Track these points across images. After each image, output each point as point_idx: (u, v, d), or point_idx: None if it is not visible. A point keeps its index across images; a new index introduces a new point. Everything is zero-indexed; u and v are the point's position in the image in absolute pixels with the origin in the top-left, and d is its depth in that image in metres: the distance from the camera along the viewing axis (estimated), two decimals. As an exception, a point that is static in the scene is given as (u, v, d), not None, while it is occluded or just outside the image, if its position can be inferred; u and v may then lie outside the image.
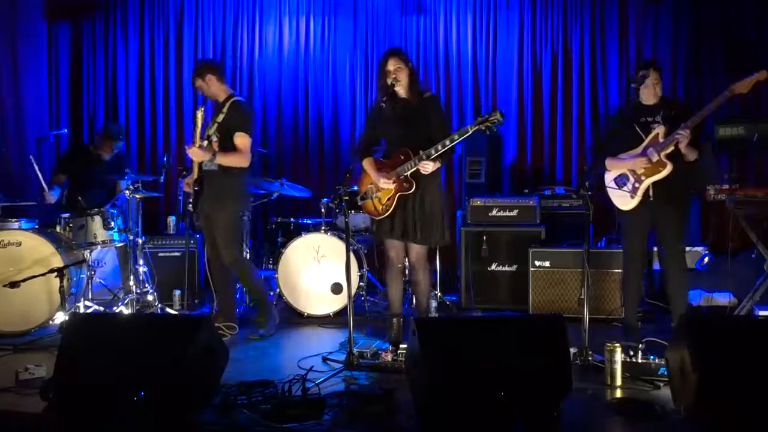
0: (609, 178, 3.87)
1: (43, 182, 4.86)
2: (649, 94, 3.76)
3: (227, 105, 4.16)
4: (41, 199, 4.96)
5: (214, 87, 4.20)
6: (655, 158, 3.65)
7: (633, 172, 3.74)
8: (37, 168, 4.82)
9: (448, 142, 3.53)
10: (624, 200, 3.80)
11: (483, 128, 3.45)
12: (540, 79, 5.99)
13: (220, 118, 4.14)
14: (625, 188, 3.76)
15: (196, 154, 4.07)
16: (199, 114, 4.14)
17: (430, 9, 6.15)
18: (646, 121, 3.74)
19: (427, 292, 4.01)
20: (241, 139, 4.09)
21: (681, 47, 5.71)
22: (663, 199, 3.70)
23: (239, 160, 4.10)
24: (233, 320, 4.31)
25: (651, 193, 3.71)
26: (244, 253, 4.85)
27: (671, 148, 3.62)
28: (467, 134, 3.49)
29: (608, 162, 3.86)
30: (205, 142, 4.11)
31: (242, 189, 4.25)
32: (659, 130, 3.67)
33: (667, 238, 3.79)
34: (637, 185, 3.72)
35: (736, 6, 5.60)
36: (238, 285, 4.67)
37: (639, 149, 3.73)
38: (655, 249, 4.41)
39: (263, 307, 4.33)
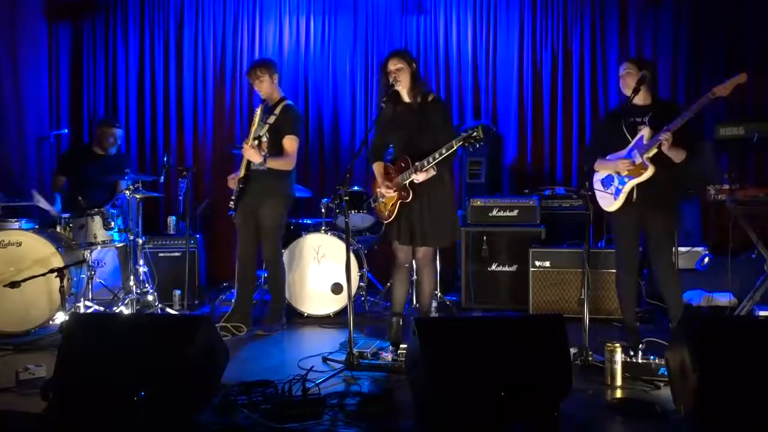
0: (596, 179, 3.87)
1: (48, 207, 4.84)
2: (628, 91, 3.71)
3: (279, 107, 4.30)
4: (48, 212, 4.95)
5: (267, 87, 4.33)
6: (638, 160, 3.64)
7: (618, 173, 3.73)
8: (40, 199, 4.81)
9: (437, 156, 3.54)
10: (607, 202, 3.81)
11: (466, 144, 3.43)
12: (540, 79, 5.99)
13: (272, 119, 4.27)
14: (608, 190, 3.77)
15: (250, 153, 4.17)
16: (258, 112, 4.30)
17: (430, 9, 6.15)
18: (634, 122, 3.73)
19: (430, 293, 4.01)
20: (290, 142, 4.24)
21: (681, 47, 5.71)
22: (647, 201, 3.69)
23: (286, 164, 4.26)
24: (246, 321, 4.32)
25: (635, 195, 3.69)
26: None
27: (654, 151, 3.59)
28: (453, 149, 3.50)
29: (597, 163, 3.86)
30: (255, 142, 4.21)
31: (289, 189, 4.40)
32: (644, 131, 3.65)
33: (653, 240, 3.77)
34: (620, 187, 3.71)
35: (736, 6, 5.60)
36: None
37: (624, 151, 3.72)
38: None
39: (276, 307, 4.42)
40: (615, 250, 3.96)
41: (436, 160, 3.55)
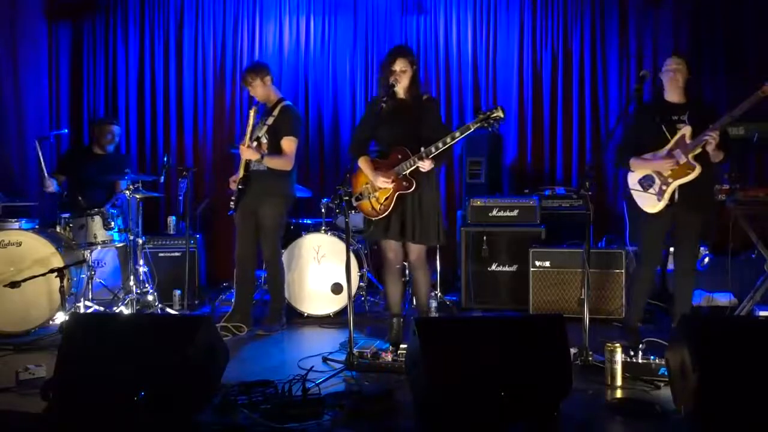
0: (633, 179, 3.78)
1: (44, 168, 4.81)
2: (673, 87, 3.68)
3: (277, 109, 4.31)
4: (41, 187, 4.92)
5: (261, 90, 4.34)
6: (682, 160, 3.58)
7: (659, 173, 3.66)
8: (40, 153, 4.78)
9: (449, 140, 3.50)
10: (650, 202, 3.71)
11: (485, 125, 3.41)
12: (540, 79, 5.99)
13: (270, 120, 4.29)
14: (651, 190, 3.68)
15: (247, 153, 4.19)
16: (252, 113, 4.30)
17: (430, 9, 6.15)
18: (671, 120, 3.67)
19: (426, 292, 4.00)
20: (289, 143, 4.25)
21: (681, 47, 5.69)
22: (688, 202, 3.64)
23: (284, 164, 4.26)
24: (247, 321, 4.33)
25: (676, 195, 3.64)
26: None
27: (699, 150, 3.55)
28: (469, 131, 3.46)
29: (632, 162, 3.77)
30: (255, 143, 4.23)
31: (289, 189, 4.41)
32: (686, 130, 3.59)
33: (684, 241, 3.75)
34: (664, 188, 3.64)
35: (736, 6, 5.60)
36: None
37: (664, 150, 3.65)
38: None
39: (276, 307, 4.43)
40: (641, 248, 3.92)
41: (447, 145, 3.52)
